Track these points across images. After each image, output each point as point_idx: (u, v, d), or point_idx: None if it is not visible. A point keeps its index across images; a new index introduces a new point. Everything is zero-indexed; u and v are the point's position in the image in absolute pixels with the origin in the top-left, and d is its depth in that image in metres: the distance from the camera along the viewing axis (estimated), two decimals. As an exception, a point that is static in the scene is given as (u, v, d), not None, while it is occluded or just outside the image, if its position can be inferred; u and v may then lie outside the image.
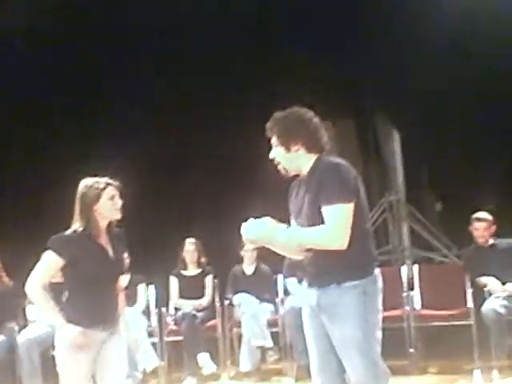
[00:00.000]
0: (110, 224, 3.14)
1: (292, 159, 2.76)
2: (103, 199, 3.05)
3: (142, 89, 6.64)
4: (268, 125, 2.81)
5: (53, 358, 3.11)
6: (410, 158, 7.72)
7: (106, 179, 3.13)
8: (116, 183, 3.15)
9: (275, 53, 6.51)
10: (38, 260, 3.09)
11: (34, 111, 6.60)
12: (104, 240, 3.10)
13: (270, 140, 2.82)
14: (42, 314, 3.09)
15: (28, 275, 3.04)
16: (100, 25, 6.48)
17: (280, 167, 2.81)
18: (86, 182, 3.12)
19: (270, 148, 2.85)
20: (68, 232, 3.06)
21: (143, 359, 5.50)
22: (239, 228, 2.70)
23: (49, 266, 3.03)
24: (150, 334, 5.74)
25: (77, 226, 3.06)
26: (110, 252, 3.10)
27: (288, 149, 2.75)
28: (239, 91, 6.59)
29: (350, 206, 2.60)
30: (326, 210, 2.59)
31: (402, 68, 6.90)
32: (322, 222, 2.60)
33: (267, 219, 2.67)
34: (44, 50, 6.41)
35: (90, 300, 3.00)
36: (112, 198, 3.08)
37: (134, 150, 6.37)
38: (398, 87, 7.16)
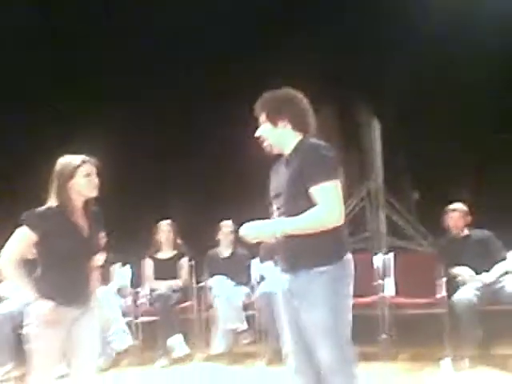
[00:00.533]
0: (87, 202, 3.11)
1: (278, 135, 2.83)
2: (78, 176, 3.04)
3: (123, 72, 6.57)
4: (257, 103, 2.90)
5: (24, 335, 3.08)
6: (389, 146, 7.75)
7: (82, 157, 3.11)
8: (92, 161, 3.12)
9: (263, 40, 6.49)
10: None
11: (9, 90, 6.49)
12: (79, 218, 3.08)
13: (257, 120, 2.87)
14: (14, 287, 3.07)
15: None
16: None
17: (265, 144, 2.87)
18: (61, 160, 3.10)
19: (251, 131, 2.88)
20: (42, 208, 3.03)
21: (116, 339, 5.50)
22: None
23: (21, 240, 3.01)
24: (125, 314, 5.73)
25: (51, 202, 3.04)
26: (85, 230, 3.09)
27: (275, 124, 2.83)
28: (221, 76, 6.56)
29: (338, 183, 2.66)
30: (315, 189, 2.63)
31: (382, 56, 6.90)
32: (306, 203, 2.63)
33: (258, 221, 2.72)
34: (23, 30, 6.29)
35: (62, 277, 2.99)
36: (87, 175, 3.06)
37: (112, 131, 6.31)
38: (379, 75, 7.17)
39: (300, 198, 2.66)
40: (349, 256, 2.75)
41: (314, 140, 2.77)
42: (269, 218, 2.82)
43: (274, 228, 2.68)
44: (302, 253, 2.68)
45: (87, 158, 3.12)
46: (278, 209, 2.81)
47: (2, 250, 3.02)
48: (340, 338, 2.66)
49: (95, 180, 3.09)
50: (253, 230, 2.71)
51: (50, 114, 6.55)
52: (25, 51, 6.34)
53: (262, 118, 2.86)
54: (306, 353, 2.75)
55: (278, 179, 2.84)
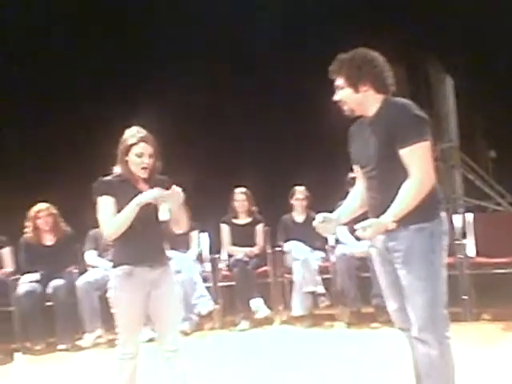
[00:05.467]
0: (151, 172, 3.14)
1: (360, 100, 2.72)
2: (132, 154, 3.09)
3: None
4: (333, 67, 2.75)
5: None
6: (463, 104, 7.52)
7: (141, 135, 3.10)
8: (151, 140, 3.11)
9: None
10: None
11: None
12: (144, 186, 3.12)
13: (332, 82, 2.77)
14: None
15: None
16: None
17: (345, 108, 2.77)
18: (125, 133, 3.15)
19: (325, 95, 2.80)
20: (108, 177, 3.14)
21: (199, 303, 5.64)
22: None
23: (107, 208, 3.06)
24: (204, 280, 5.85)
25: (117, 170, 3.16)
26: None
27: (356, 90, 2.70)
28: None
29: (429, 143, 2.60)
30: (409, 151, 2.57)
31: (454, 13, 6.67)
32: (397, 164, 2.59)
33: (372, 221, 2.62)
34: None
35: (133, 240, 3.04)
36: (140, 156, 3.08)
37: (184, 95, 6.34)
38: (451, 32, 6.94)
39: (391, 160, 2.60)
40: (444, 213, 2.71)
41: (400, 100, 2.68)
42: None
43: (386, 221, 2.60)
44: None
45: (146, 136, 3.10)
46: (367, 172, 2.76)
47: (102, 225, 3.06)
48: (436, 294, 2.63)
49: (145, 161, 3.08)
50: (369, 231, 2.61)
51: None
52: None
53: (340, 82, 2.73)
54: (405, 311, 2.72)
55: (363, 142, 2.76)
